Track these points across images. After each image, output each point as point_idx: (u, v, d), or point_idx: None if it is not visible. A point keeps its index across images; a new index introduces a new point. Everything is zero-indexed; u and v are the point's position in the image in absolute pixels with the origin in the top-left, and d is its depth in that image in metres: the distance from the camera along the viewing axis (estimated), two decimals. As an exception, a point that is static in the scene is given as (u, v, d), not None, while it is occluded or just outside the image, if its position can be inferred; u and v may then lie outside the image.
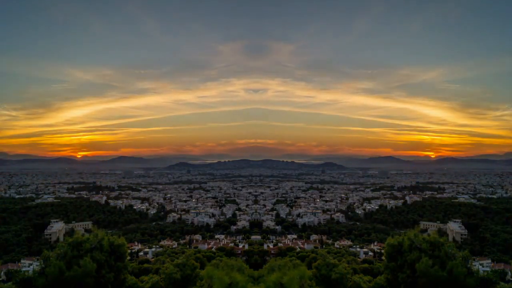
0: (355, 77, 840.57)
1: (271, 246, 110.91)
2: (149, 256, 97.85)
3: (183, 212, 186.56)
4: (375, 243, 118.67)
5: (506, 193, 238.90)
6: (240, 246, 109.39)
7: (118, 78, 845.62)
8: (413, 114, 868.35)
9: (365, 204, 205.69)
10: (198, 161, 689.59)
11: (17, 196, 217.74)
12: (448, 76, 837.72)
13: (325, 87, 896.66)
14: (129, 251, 66.61)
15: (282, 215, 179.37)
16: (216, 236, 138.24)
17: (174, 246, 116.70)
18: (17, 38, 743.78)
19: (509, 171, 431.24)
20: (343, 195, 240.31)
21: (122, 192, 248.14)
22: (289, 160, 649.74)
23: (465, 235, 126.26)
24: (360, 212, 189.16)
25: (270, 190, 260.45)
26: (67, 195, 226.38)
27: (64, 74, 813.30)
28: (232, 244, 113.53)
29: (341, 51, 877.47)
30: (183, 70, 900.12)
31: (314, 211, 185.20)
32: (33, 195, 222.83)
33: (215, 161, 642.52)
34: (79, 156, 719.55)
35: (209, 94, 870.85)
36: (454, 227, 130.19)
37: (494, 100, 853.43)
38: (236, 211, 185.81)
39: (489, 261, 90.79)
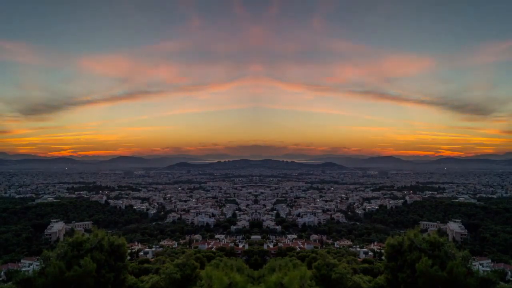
0: (341, 70, 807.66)
1: (271, 246, 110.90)
2: (149, 256, 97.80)
3: (183, 212, 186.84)
4: (375, 243, 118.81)
5: (506, 193, 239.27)
6: (240, 246, 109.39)
7: (127, 72, 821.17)
8: (413, 113, 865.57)
9: (365, 204, 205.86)
10: (198, 161, 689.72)
11: (17, 196, 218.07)
12: (440, 67, 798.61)
13: (313, 81, 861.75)
14: (129, 251, 66.38)
15: (282, 215, 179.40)
16: (216, 236, 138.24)
17: (174, 246, 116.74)
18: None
19: (509, 171, 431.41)
20: (343, 195, 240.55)
21: (122, 192, 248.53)
22: (289, 160, 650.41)
23: (465, 235, 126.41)
24: (360, 212, 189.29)
25: (270, 190, 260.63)
26: (67, 195, 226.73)
27: (66, 64, 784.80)
28: (232, 244, 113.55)
29: (310, 38, 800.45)
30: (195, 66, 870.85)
31: (314, 211, 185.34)
32: (33, 195, 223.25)
33: (215, 161, 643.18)
34: (79, 156, 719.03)
35: (213, 91, 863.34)
36: (454, 227, 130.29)
37: (494, 99, 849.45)
38: (236, 211, 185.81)
39: (489, 261, 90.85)
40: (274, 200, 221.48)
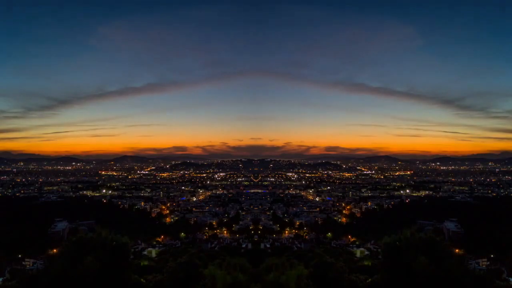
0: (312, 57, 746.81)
1: (268, 245, 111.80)
2: (153, 255, 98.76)
3: (186, 211, 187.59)
4: (372, 242, 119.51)
5: (502, 192, 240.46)
6: (243, 246, 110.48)
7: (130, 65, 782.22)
8: (410, 112, 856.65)
9: (361, 203, 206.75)
10: (201, 160, 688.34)
11: (21, 195, 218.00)
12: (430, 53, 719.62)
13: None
14: (132, 250, 67.07)
15: (279, 214, 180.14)
16: (219, 236, 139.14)
17: (177, 245, 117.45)
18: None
19: (505, 170, 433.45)
20: (340, 194, 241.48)
21: (126, 191, 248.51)
22: (286, 160, 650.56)
23: (461, 234, 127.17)
24: (356, 211, 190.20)
25: (267, 189, 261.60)
26: (70, 194, 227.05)
27: (72, 49, 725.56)
28: (235, 244, 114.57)
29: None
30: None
31: (311, 210, 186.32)
32: (37, 194, 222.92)
33: (219, 160, 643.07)
34: (82, 155, 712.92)
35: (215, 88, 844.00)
36: (451, 226, 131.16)
37: (491, 97, 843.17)
38: (239, 211, 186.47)
39: (485, 260, 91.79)
40: (271, 199, 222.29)
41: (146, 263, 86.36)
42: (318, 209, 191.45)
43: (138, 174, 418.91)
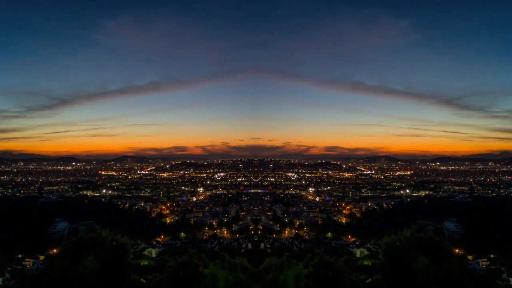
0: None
1: (268, 245, 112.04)
2: (153, 255, 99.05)
3: (186, 211, 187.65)
4: (372, 242, 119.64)
5: (502, 192, 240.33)
6: (244, 246, 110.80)
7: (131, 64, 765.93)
8: (410, 111, 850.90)
9: (361, 203, 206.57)
10: (201, 160, 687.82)
11: (21, 195, 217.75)
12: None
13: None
14: (132, 250, 67.04)
15: (279, 214, 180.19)
16: (219, 236, 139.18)
17: (177, 245, 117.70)
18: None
19: (505, 170, 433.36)
20: (340, 194, 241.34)
21: (126, 191, 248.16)
22: (286, 160, 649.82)
23: (461, 234, 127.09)
24: (356, 211, 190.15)
25: (267, 189, 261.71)
26: (70, 194, 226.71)
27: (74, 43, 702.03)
28: (235, 244, 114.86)
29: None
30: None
31: (311, 210, 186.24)
32: (37, 194, 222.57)
33: (219, 160, 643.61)
34: (82, 155, 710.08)
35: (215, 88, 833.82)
36: (451, 226, 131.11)
37: (491, 97, 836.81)
38: (239, 211, 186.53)
39: (485, 260, 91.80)
40: (271, 199, 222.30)
41: (146, 263, 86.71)
42: (318, 209, 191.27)
43: (138, 174, 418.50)
